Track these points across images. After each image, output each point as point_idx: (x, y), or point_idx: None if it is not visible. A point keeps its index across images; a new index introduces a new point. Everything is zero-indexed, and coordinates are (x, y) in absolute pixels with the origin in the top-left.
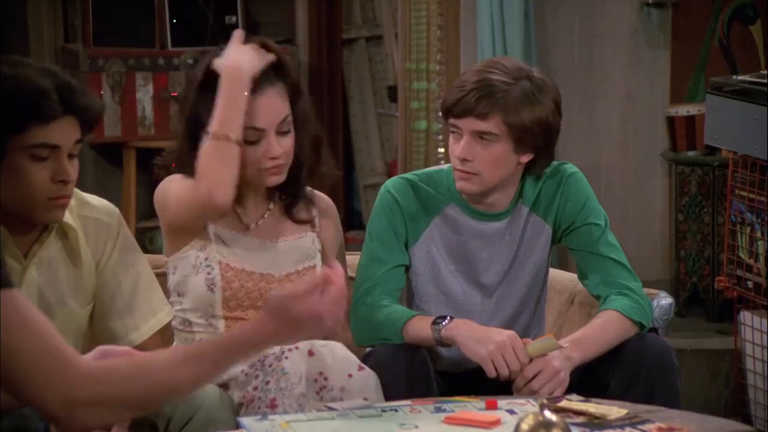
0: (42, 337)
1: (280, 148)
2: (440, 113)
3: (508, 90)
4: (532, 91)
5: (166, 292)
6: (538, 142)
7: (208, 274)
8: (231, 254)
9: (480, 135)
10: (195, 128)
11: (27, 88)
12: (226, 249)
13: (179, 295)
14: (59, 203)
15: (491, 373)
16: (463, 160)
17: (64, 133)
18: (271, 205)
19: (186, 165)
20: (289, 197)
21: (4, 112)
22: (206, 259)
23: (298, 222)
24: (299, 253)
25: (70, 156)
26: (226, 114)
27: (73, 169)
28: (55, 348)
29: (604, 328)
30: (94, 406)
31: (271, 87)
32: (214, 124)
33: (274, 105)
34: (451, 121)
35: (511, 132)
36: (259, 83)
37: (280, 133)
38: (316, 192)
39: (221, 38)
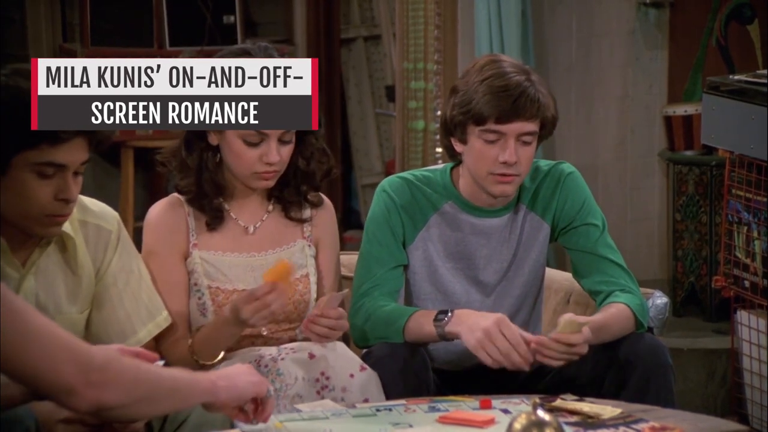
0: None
1: (278, 155)
2: (437, 111)
3: (537, 89)
4: (545, 86)
5: None
6: (547, 133)
7: (199, 299)
8: (219, 276)
9: (524, 137)
10: (192, 134)
11: None
12: (214, 271)
13: None
14: (57, 220)
15: (486, 361)
16: (515, 164)
17: (73, 153)
18: (270, 207)
19: (179, 164)
20: (284, 202)
21: (16, 126)
22: (195, 284)
23: (296, 220)
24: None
25: (75, 173)
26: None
27: (76, 187)
28: (61, 331)
29: (617, 319)
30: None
31: None
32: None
33: None
34: (494, 127)
35: (542, 128)
36: None
37: (282, 141)
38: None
39: (219, 38)
